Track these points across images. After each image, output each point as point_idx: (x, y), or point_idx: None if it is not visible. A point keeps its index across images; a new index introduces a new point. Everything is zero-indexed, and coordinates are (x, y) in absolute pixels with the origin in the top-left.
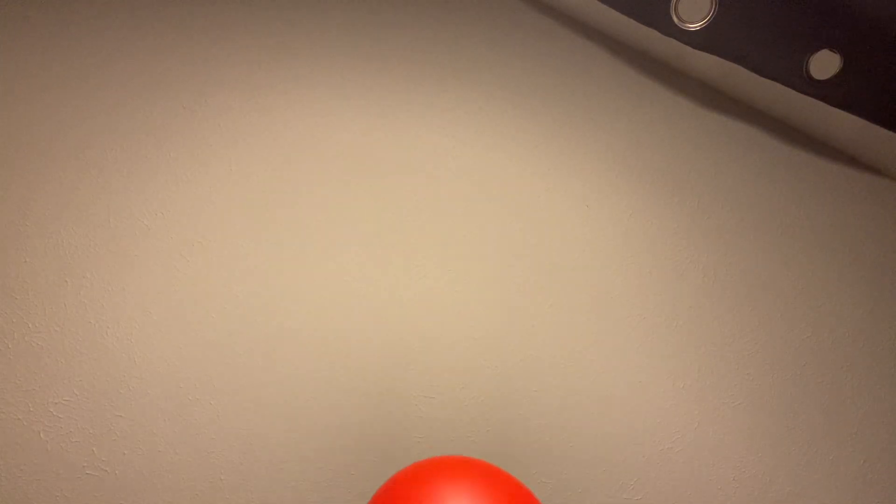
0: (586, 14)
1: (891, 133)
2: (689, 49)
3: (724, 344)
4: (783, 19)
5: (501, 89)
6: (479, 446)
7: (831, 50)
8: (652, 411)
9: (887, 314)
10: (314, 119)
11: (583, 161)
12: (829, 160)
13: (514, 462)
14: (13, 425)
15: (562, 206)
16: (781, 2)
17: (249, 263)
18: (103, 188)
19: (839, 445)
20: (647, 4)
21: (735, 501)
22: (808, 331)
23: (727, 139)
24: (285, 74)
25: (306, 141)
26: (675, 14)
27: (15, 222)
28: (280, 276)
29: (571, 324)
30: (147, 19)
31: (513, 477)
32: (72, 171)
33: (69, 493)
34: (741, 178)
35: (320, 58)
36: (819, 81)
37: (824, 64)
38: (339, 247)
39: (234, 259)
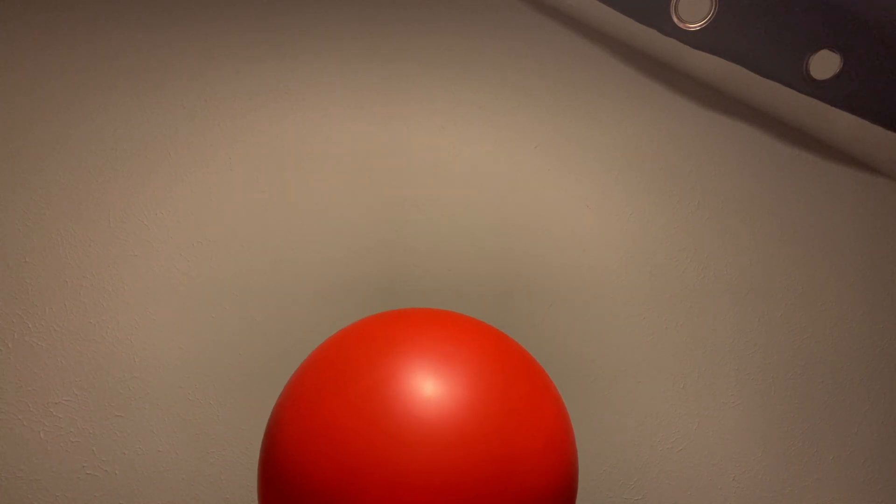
0: (586, 14)
1: (891, 133)
2: (689, 49)
3: (724, 344)
4: (783, 19)
5: (501, 89)
6: None
7: (831, 50)
8: (652, 411)
9: (887, 314)
10: (314, 119)
11: (583, 161)
12: (829, 160)
13: None
14: (13, 425)
15: (562, 206)
16: (781, 2)
17: (249, 263)
18: (103, 188)
19: (839, 445)
20: (647, 4)
21: (735, 501)
22: (808, 331)
23: (727, 139)
24: (285, 74)
25: (307, 141)
26: (675, 14)
27: (15, 222)
28: (280, 277)
29: (571, 324)
30: (147, 20)
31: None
32: (72, 172)
33: (69, 493)
34: (741, 178)
35: (321, 58)
36: (819, 81)
37: (824, 64)
38: (338, 246)
39: (234, 259)
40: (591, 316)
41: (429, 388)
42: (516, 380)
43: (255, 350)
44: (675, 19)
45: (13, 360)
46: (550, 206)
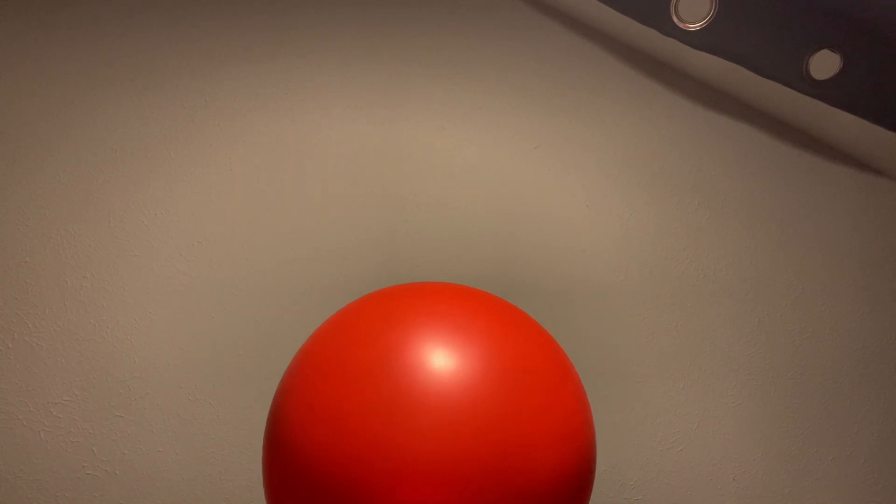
0: (586, 14)
1: (891, 133)
2: (689, 49)
3: (724, 344)
4: (783, 19)
5: (501, 89)
6: None
7: (831, 50)
8: (652, 411)
9: (887, 314)
10: (315, 119)
11: (583, 161)
12: (829, 160)
13: None
14: (13, 425)
15: (562, 206)
16: (781, 2)
17: (249, 263)
18: (103, 188)
19: (839, 445)
20: (647, 4)
21: (735, 501)
22: (808, 331)
23: (727, 139)
24: (286, 74)
25: (307, 140)
26: (675, 14)
27: (15, 222)
28: (280, 276)
29: (571, 324)
30: (147, 19)
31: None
32: (72, 171)
33: (69, 493)
34: (741, 178)
35: (321, 57)
36: (819, 81)
37: (824, 64)
38: (338, 246)
39: (234, 259)
40: (591, 316)
41: (439, 360)
42: (535, 358)
43: (255, 350)
44: (675, 19)
45: (13, 360)
46: (550, 207)
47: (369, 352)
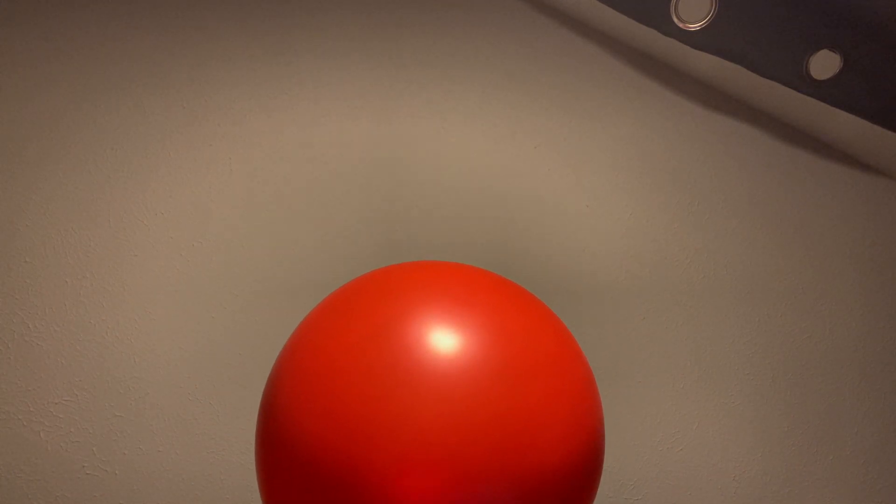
0: (586, 14)
1: (891, 133)
2: (689, 49)
3: (724, 344)
4: (783, 19)
5: (500, 89)
6: None
7: (831, 50)
8: (652, 411)
9: (887, 314)
10: (315, 119)
11: (583, 161)
12: (829, 160)
13: None
14: (13, 425)
15: (561, 206)
16: (781, 2)
17: (249, 263)
18: (103, 188)
19: (839, 445)
20: (647, 4)
21: (735, 501)
22: (808, 331)
23: (727, 139)
24: (286, 73)
25: (307, 141)
26: (675, 14)
27: (14, 222)
28: (280, 276)
29: (570, 324)
30: (147, 21)
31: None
32: (72, 171)
33: (69, 493)
34: (741, 178)
35: (321, 57)
36: (819, 81)
37: (824, 64)
38: (338, 246)
39: (234, 258)
40: (590, 316)
41: (439, 338)
42: (543, 337)
43: (256, 349)
44: (675, 19)
45: (13, 360)
46: (550, 207)
47: (362, 330)
